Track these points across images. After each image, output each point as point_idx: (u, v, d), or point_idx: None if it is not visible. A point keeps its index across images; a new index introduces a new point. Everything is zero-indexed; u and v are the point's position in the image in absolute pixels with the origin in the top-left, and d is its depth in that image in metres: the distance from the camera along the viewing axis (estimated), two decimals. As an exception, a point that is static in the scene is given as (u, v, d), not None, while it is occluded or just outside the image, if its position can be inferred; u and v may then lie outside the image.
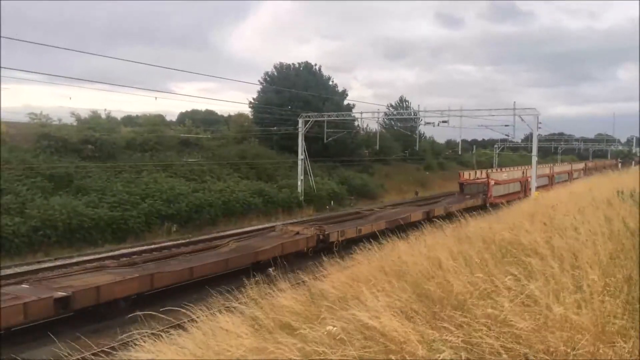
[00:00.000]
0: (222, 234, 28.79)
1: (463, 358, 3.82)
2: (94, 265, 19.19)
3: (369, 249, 11.15)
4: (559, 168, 60.75)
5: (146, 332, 6.99)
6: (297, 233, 23.95)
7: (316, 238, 23.50)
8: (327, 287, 7.79)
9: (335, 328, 4.81)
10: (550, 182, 49.34)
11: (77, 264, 20.50)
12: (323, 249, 20.85)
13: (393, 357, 4.00)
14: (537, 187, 35.84)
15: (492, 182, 41.24)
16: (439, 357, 3.79)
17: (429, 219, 24.77)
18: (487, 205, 32.91)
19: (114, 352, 9.99)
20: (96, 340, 12.02)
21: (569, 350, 3.72)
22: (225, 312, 7.38)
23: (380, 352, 4.08)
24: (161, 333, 7.31)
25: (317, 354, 4.36)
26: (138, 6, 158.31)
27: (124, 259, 20.79)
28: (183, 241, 26.50)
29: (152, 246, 25.20)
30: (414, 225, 19.23)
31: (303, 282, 8.83)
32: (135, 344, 7.01)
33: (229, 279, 16.92)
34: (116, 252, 23.51)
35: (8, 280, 16.54)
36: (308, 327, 5.23)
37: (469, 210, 21.96)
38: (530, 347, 3.87)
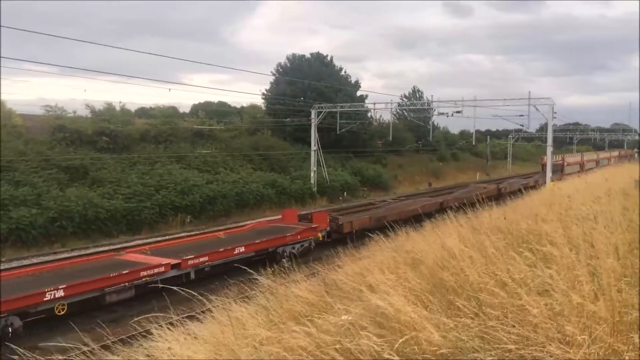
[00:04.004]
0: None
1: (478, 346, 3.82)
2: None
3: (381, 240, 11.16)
4: (602, 155, 76.79)
5: (162, 323, 7.06)
6: (485, 187, 38.98)
7: (497, 190, 38.16)
8: (341, 277, 7.80)
9: (350, 317, 4.83)
10: (597, 164, 63.77)
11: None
12: (498, 196, 33.45)
13: (409, 347, 4.00)
14: (588, 169, 48.58)
15: (566, 163, 55.83)
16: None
17: (534, 186, 36.00)
18: (561, 178, 44.18)
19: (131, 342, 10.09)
20: (113, 329, 12.16)
21: (585, 339, 3.69)
22: (240, 302, 7.43)
23: (396, 340, 4.08)
24: (176, 322, 7.37)
25: (332, 344, 4.38)
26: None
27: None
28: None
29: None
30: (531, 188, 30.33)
31: (317, 273, 8.86)
32: (150, 334, 7.08)
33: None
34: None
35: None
36: (322, 317, 5.24)
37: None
38: (546, 336, 3.86)
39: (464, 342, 3.94)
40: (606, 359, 3.64)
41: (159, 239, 25.25)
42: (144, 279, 15.46)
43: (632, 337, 3.81)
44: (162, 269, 16.02)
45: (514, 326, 4.01)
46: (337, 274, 8.72)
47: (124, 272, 15.21)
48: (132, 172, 31.32)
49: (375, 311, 4.80)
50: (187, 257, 16.98)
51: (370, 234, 13.19)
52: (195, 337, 6.29)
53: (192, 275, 17.02)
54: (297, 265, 9.94)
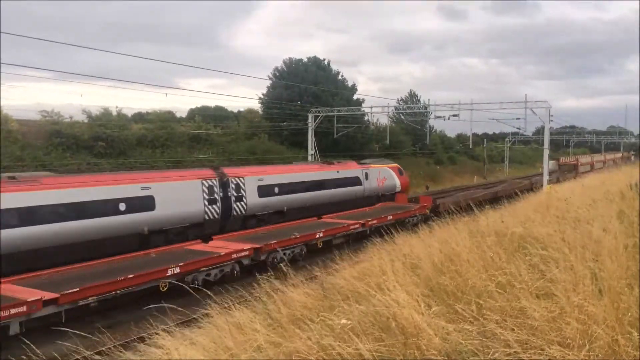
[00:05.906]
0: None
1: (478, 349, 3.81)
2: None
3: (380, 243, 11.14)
4: (609, 156, 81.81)
5: (160, 328, 7.02)
6: (521, 182, 46.17)
7: (530, 184, 42.98)
8: (340, 281, 7.79)
9: (350, 322, 4.81)
10: (604, 164, 69.23)
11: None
12: (530, 188, 38.41)
13: (409, 349, 3.99)
14: (598, 168, 54.35)
15: (580, 163, 63.29)
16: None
17: (558, 181, 42.18)
18: (576, 176, 49.34)
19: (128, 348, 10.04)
20: (111, 335, 12.08)
21: (585, 342, 3.69)
22: (238, 307, 7.40)
23: (395, 344, 4.07)
24: (175, 328, 7.34)
25: (331, 348, 4.36)
26: (145, 4, 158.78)
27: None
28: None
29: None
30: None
31: (315, 277, 8.83)
32: (149, 339, 7.04)
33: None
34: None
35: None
36: (321, 321, 5.22)
37: (567, 178, 42.85)
38: (545, 339, 3.85)
39: (463, 345, 3.93)
40: (606, 359, 3.63)
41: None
42: (351, 231, 23.39)
43: (631, 336, 3.80)
44: (358, 225, 23.92)
45: (513, 329, 4.01)
46: (336, 277, 8.70)
47: (345, 225, 23.45)
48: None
49: (374, 315, 4.79)
50: (367, 220, 24.70)
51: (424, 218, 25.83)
52: (193, 343, 6.26)
53: (368, 231, 23.70)
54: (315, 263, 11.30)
